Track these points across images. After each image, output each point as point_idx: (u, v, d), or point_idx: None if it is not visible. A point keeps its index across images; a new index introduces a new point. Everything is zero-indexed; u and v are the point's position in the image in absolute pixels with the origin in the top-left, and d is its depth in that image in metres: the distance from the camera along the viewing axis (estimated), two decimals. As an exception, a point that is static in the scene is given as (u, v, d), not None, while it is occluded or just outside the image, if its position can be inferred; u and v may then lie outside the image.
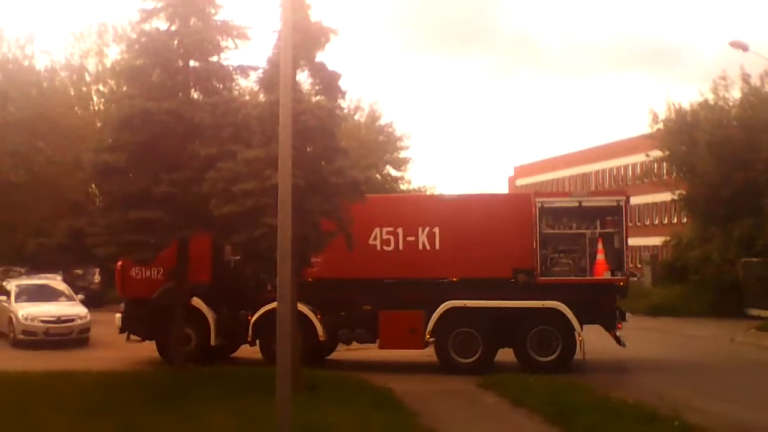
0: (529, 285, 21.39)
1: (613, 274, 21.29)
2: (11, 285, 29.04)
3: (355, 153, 20.65)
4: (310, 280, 20.58)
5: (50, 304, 27.51)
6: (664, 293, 43.42)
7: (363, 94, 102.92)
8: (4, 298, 28.18)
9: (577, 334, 20.94)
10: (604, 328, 21.71)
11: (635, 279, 55.34)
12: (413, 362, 22.32)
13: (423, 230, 21.53)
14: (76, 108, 56.42)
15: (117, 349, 23.32)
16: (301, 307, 21.16)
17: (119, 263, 22.49)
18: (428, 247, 21.50)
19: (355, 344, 22.35)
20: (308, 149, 16.82)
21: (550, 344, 21.20)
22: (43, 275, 36.11)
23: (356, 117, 65.41)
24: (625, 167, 79.33)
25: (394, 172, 70.47)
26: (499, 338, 21.46)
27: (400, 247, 21.44)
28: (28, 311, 26.40)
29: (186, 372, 18.60)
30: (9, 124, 50.41)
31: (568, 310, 20.91)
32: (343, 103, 20.72)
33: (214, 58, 18.96)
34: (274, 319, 20.90)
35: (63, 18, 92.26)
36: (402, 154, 70.76)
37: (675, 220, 64.95)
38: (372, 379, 18.59)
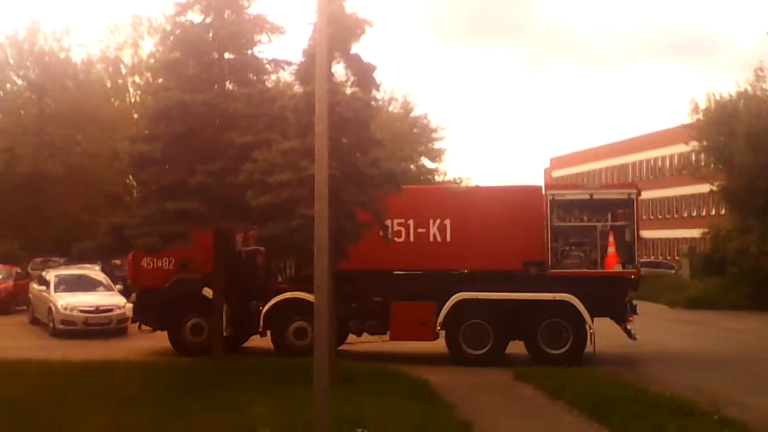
0: (539, 277, 21.33)
1: (624, 267, 21.21)
2: (50, 275, 29.31)
3: (389, 144, 20.59)
4: None
5: (89, 294, 27.78)
6: (702, 286, 43.01)
7: (397, 86, 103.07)
8: (44, 288, 28.49)
9: (588, 327, 20.88)
10: (615, 321, 21.65)
11: (673, 272, 54.99)
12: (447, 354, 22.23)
13: (434, 222, 21.46)
14: (113, 100, 56.91)
15: (155, 339, 23.46)
16: (312, 298, 21.21)
17: (130, 253, 22.67)
18: (439, 239, 21.44)
19: (365, 335, 22.30)
20: (344, 140, 16.80)
21: (561, 337, 21.12)
22: (81, 265, 36.58)
23: (390, 109, 65.36)
24: (663, 158, 78.60)
25: (429, 164, 70.40)
26: (510, 330, 21.44)
27: (411, 238, 21.35)
28: (67, 301, 26.65)
29: (223, 362, 18.71)
30: (46, 116, 50.99)
31: (579, 302, 20.84)
32: (378, 95, 20.65)
33: (249, 51, 19.04)
34: (285, 309, 21.57)
35: (98, 10, 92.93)
36: (437, 146, 70.66)
37: (713, 212, 64.21)
38: (408, 371, 18.58)
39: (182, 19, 19.07)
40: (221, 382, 16.34)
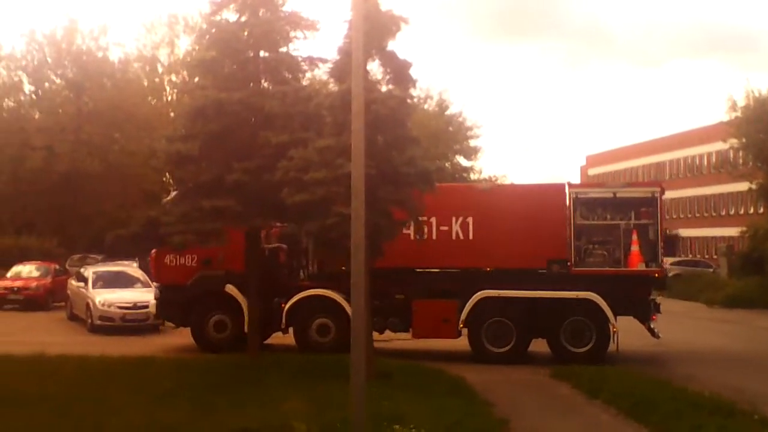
0: (562, 276, 21.24)
1: (647, 266, 21.04)
2: (89, 272, 29.59)
3: (424, 142, 20.55)
4: (343, 268, 20.74)
5: (126, 290, 28.00)
6: (740, 285, 42.57)
7: (432, 83, 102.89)
8: (82, 284, 28.77)
9: (611, 326, 20.76)
10: (639, 319, 21.53)
11: (711, 270, 54.44)
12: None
13: (457, 220, 21.37)
14: (150, 98, 57.36)
15: (191, 335, 23.58)
16: (335, 295, 21.35)
17: (154, 249, 22.81)
18: (462, 237, 21.35)
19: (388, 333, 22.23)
20: (379, 138, 16.79)
21: (584, 335, 20.99)
22: (119, 262, 36.93)
23: (425, 107, 65.29)
24: (700, 156, 77.81)
25: (464, 162, 70.26)
26: (533, 328, 21.34)
27: (434, 236, 21.26)
28: (104, 297, 26.89)
29: (259, 358, 18.79)
30: (84, 114, 51.55)
31: (603, 301, 20.71)
32: (414, 93, 20.62)
33: (284, 49, 19.10)
34: (308, 306, 21.58)
35: (135, 10, 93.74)
36: (472, 144, 70.52)
37: (751, 210, 63.49)
38: (444, 368, 18.56)
39: (218, 17, 19.16)
40: (257, 379, 16.42)
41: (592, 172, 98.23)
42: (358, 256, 10.94)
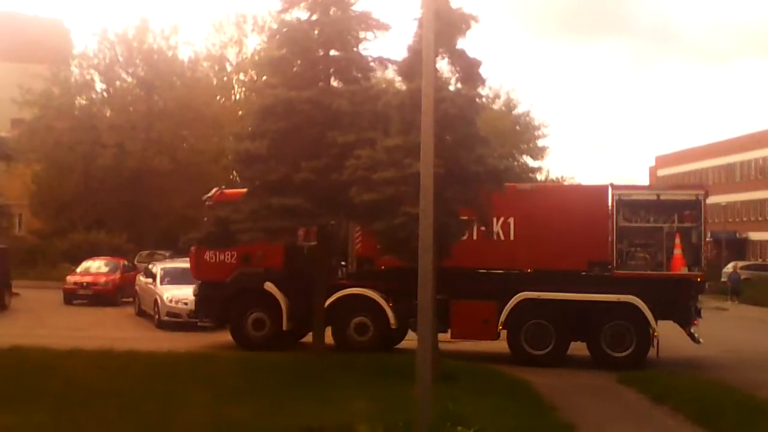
0: (604, 278, 20.98)
1: (690, 270, 20.73)
2: (157, 268, 29.96)
3: (492, 142, 20.38)
4: (382, 268, 20.80)
5: (194, 286, 28.23)
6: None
7: (499, 83, 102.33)
8: (150, 280, 29.16)
9: (652, 330, 20.45)
10: (680, 324, 21.25)
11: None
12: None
13: (498, 220, 20.97)
14: (218, 97, 57.86)
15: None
16: (373, 295, 21.32)
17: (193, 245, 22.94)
18: (502, 238, 21.10)
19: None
20: (448, 138, 16.70)
21: (624, 339, 20.73)
22: (187, 258, 37.33)
23: (493, 106, 64.88)
24: (772, 158, 76.33)
25: (531, 162, 69.69)
26: (573, 331, 21.15)
27: (474, 236, 20.84)
28: (172, 293, 27.17)
29: (325, 357, 18.84)
30: (154, 113, 52.23)
31: (644, 304, 20.40)
32: (482, 91, 20.50)
33: (354, 48, 19.10)
34: (346, 305, 21.60)
35: (204, 9, 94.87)
36: (539, 143, 69.92)
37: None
38: (508, 371, 18.42)
39: (288, 16, 19.24)
40: (323, 378, 16.48)
41: (661, 173, 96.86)
42: (426, 256, 10.90)
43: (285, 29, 19.18)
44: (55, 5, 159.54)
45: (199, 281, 23.39)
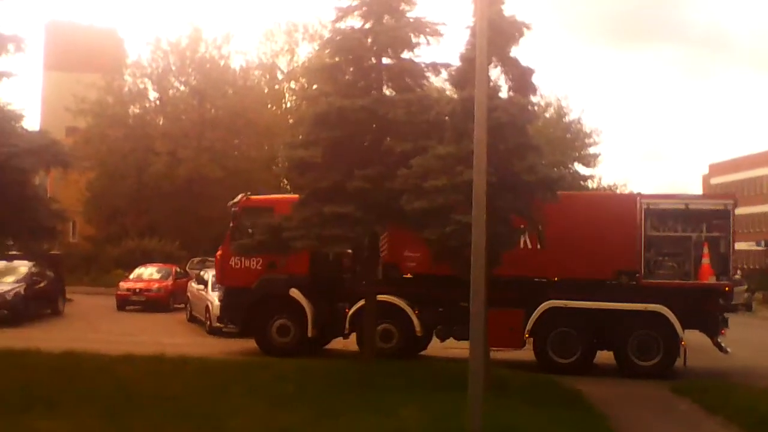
0: (631, 287, 20.87)
1: (718, 279, 20.55)
2: (208, 275, 30.03)
3: (544, 150, 20.26)
4: (408, 275, 20.81)
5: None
6: None
7: (551, 90, 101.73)
8: (202, 287, 29.42)
9: (679, 339, 20.32)
10: (707, 334, 21.12)
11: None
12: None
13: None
14: (270, 105, 58.25)
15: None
16: (399, 302, 21.32)
17: (219, 251, 22.97)
18: (530, 246, 20.77)
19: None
20: (500, 146, 16.60)
21: (651, 348, 20.63)
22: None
23: (546, 115, 64.44)
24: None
25: (582, 170, 69.08)
26: (599, 340, 21.10)
27: None
28: (223, 300, 27.30)
29: (374, 364, 18.85)
30: (206, 121, 52.80)
31: (672, 314, 20.29)
32: (535, 100, 20.41)
33: (407, 55, 19.12)
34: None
35: (255, 18, 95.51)
36: (591, 151, 69.29)
37: None
38: (559, 381, 18.31)
39: (342, 24, 19.29)
40: (374, 385, 16.42)
41: (714, 181, 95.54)
42: (478, 264, 10.90)
43: (338, 37, 19.23)
44: (110, 15, 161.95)
45: (224, 287, 23.49)
